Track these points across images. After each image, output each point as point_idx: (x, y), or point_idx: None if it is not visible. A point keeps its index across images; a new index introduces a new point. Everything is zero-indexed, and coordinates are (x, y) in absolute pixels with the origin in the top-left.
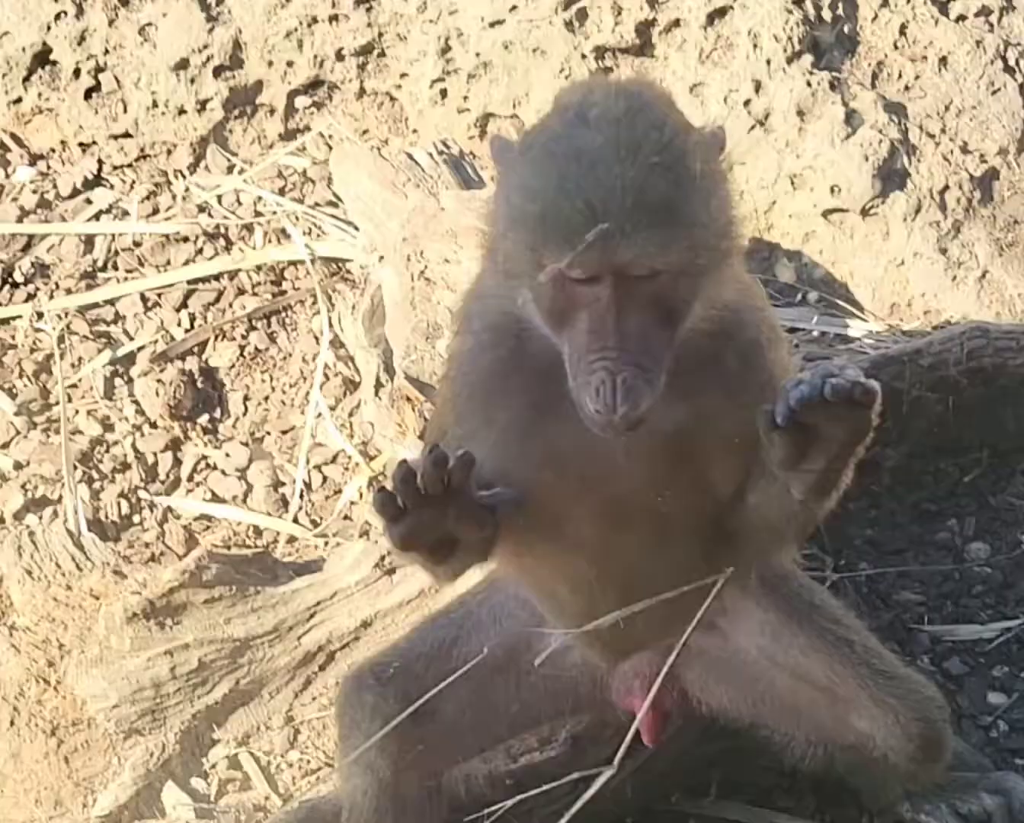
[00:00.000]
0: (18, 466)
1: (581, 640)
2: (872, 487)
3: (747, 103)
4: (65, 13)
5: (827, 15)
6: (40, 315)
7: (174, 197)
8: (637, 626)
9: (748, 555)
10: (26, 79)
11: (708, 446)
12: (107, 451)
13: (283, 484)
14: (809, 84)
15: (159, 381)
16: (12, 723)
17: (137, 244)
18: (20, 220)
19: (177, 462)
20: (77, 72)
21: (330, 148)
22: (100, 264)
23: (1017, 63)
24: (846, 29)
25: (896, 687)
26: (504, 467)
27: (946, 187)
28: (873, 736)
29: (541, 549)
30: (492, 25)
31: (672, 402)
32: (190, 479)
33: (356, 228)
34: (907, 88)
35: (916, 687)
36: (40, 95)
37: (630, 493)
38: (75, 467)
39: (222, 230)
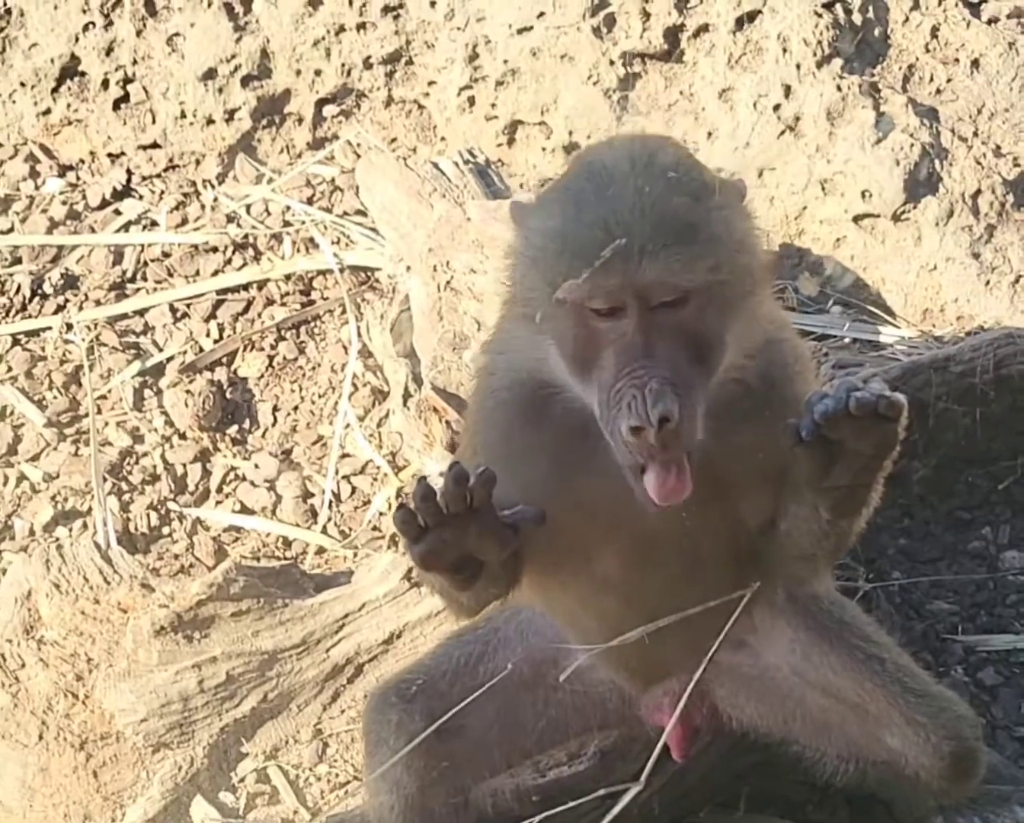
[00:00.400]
0: (48, 478)
1: (609, 666)
2: (900, 500)
3: (777, 108)
4: (93, 24)
5: (857, 18)
6: (69, 326)
7: (203, 207)
8: (665, 654)
9: (779, 583)
10: (55, 90)
11: (738, 482)
12: (136, 463)
13: (312, 495)
14: (839, 88)
15: (188, 392)
16: (41, 737)
17: (166, 255)
18: (50, 231)
19: (206, 473)
20: (106, 83)
21: (358, 157)
22: (129, 275)
23: None
24: (876, 32)
25: (928, 705)
26: None
27: (979, 191)
28: (904, 754)
29: (567, 584)
30: (520, 32)
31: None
32: (219, 490)
33: (384, 237)
34: (939, 91)
35: (948, 705)
36: (69, 106)
37: (659, 534)
38: (104, 479)
39: (251, 240)
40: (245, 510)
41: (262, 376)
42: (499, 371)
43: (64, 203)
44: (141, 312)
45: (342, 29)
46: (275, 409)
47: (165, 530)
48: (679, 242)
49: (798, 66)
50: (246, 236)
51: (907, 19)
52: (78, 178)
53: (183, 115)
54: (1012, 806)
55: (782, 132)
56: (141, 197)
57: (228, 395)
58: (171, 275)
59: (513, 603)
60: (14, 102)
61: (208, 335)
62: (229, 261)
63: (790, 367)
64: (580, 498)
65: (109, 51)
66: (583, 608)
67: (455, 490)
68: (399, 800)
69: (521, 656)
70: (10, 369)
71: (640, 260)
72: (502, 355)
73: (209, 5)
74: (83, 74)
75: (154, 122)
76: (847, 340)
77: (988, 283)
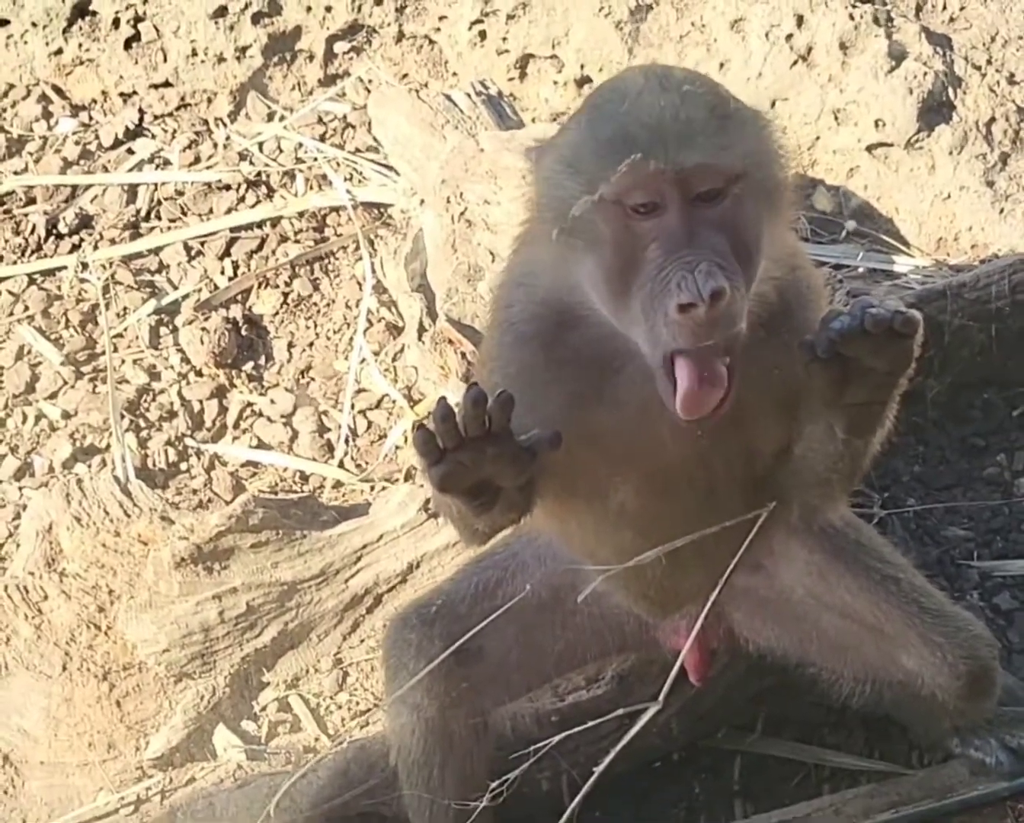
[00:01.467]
0: (66, 415)
1: (628, 596)
2: (915, 419)
3: (789, 38)
4: None
5: None
6: (85, 266)
7: (215, 145)
8: (683, 583)
9: (797, 511)
10: (66, 30)
11: (753, 409)
12: (153, 400)
13: (328, 430)
14: (852, 17)
15: (203, 329)
16: (64, 668)
17: (179, 193)
18: (63, 171)
19: (223, 409)
20: (116, 22)
21: (370, 93)
22: (143, 214)
23: None
24: None
25: (944, 625)
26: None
27: (992, 119)
28: (921, 674)
29: (583, 516)
30: None
31: None
32: (236, 426)
33: (397, 172)
34: (952, 19)
35: (964, 625)
36: (80, 46)
37: (674, 466)
38: (122, 416)
39: (264, 178)
40: (262, 445)
41: (277, 313)
42: (517, 303)
43: (77, 143)
44: (156, 250)
45: None
46: (290, 345)
47: (183, 466)
48: (715, 130)
49: None
50: (259, 174)
51: None
52: (91, 118)
53: (194, 53)
54: None
55: (794, 62)
56: (153, 136)
57: (243, 332)
58: (185, 213)
59: (530, 528)
60: (26, 43)
61: (223, 273)
62: (242, 199)
63: (804, 295)
64: (596, 431)
65: None
66: (599, 541)
67: (473, 412)
68: (420, 723)
69: (539, 580)
70: (27, 308)
71: (679, 146)
72: (520, 286)
73: None
74: (94, 13)
75: (165, 61)
76: (861, 270)
77: (1002, 211)
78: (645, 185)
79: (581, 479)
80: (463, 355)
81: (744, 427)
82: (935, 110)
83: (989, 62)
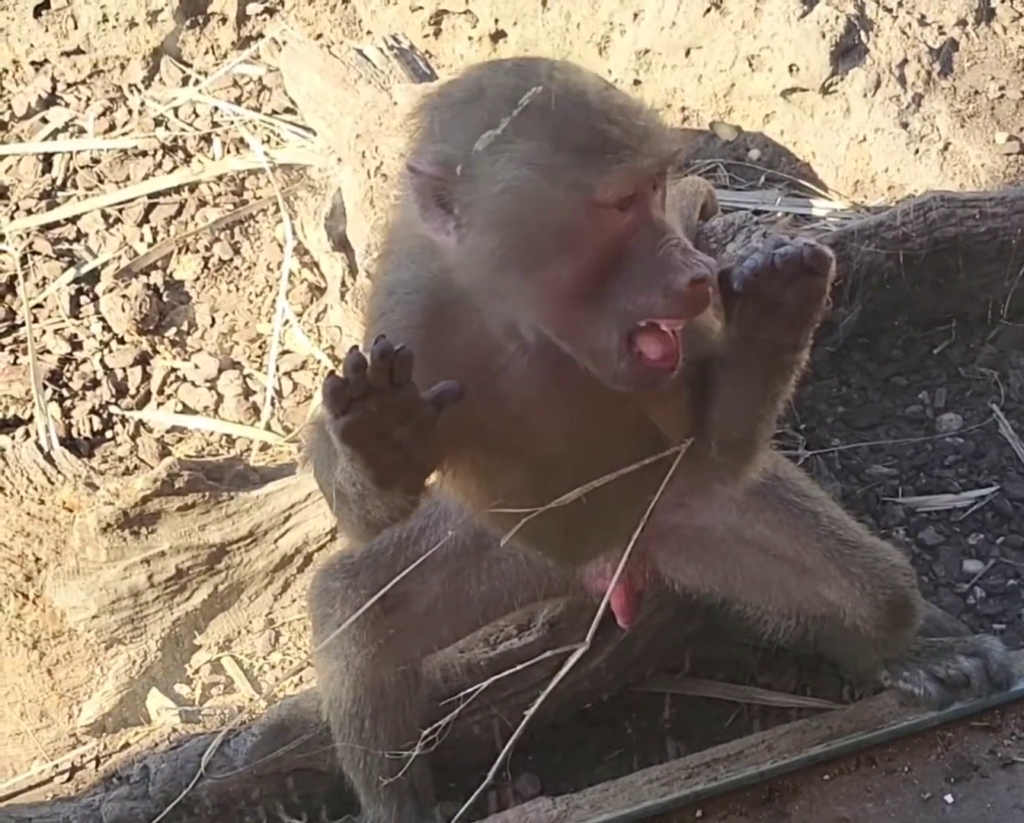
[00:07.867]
0: None
1: (540, 551)
2: (828, 348)
3: None
4: None
5: None
6: (1, 237)
7: (130, 112)
8: (592, 540)
9: (716, 482)
10: None
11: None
12: (76, 369)
13: (253, 393)
14: None
15: (124, 296)
16: None
17: (96, 161)
18: None
19: (146, 376)
20: None
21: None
22: (59, 183)
23: None
24: None
25: (862, 556)
26: None
27: (905, 60)
28: (842, 606)
29: (478, 499)
30: None
31: None
32: (160, 392)
33: (313, 133)
34: None
35: (882, 555)
36: None
37: (561, 456)
38: (45, 386)
39: (180, 142)
40: (187, 411)
41: (198, 278)
42: (391, 312)
43: None
44: (73, 219)
45: None
46: (213, 309)
47: (108, 434)
48: (663, 120)
49: None
50: (175, 139)
51: None
52: (2, 88)
53: (105, 19)
54: (955, 656)
55: (708, 9)
56: (67, 104)
57: (165, 298)
58: (101, 181)
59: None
60: None
61: (142, 239)
62: (159, 165)
63: None
64: (480, 429)
65: None
66: (498, 518)
67: (381, 364)
68: (349, 674)
69: (462, 526)
70: None
71: (653, 140)
72: (392, 295)
73: None
74: None
75: (76, 28)
76: (780, 215)
77: (917, 152)
78: (629, 181)
79: (469, 471)
80: None
81: (630, 409)
82: (848, 53)
83: (900, 4)
